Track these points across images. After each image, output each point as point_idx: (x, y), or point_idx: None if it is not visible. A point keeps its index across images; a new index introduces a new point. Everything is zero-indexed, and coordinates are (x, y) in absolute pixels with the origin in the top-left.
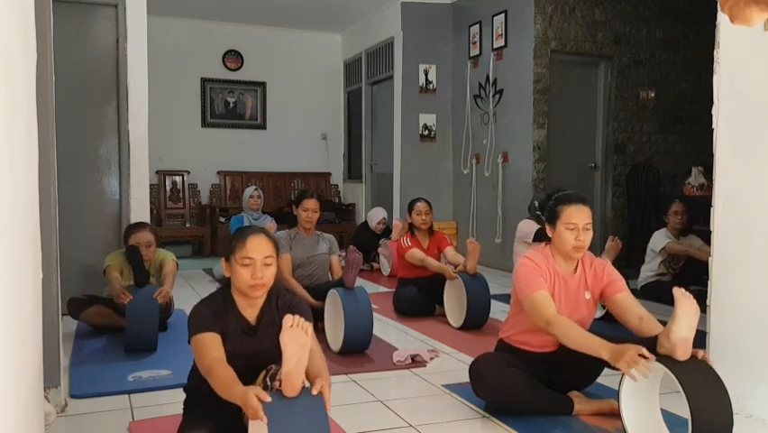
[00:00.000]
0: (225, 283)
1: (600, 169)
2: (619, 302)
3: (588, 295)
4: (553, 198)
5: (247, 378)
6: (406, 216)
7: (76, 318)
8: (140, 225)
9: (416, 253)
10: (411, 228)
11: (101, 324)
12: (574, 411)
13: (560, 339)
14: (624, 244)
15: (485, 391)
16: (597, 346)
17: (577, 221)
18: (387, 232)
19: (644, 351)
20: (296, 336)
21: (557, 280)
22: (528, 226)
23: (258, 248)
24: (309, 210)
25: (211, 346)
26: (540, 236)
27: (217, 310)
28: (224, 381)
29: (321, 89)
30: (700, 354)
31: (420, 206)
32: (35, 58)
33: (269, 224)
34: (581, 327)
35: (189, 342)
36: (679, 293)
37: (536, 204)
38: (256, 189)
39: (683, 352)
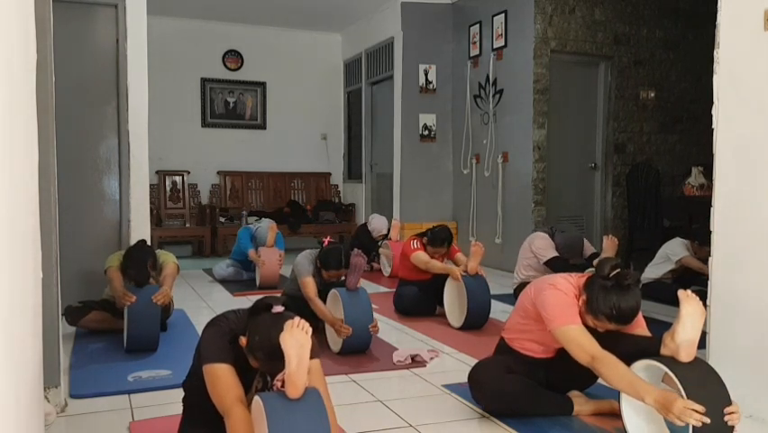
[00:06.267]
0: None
1: (600, 169)
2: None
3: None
4: (612, 301)
5: None
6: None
7: (74, 326)
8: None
9: (420, 256)
10: (426, 237)
11: (99, 329)
12: (574, 412)
13: (603, 376)
14: (624, 243)
15: (485, 399)
16: (641, 391)
17: (605, 329)
18: (386, 234)
19: (695, 405)
20: (296, 337)
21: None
22: (545, 249)
23: None
24: (332, 276)
25: (230, 384)
26: (553, 265)
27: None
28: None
29: (321, 89)
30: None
31: (440, 250)
32: (35, 58)
33: (270, 225)
34: (627, 367)
35: (197, 358)
36: (683, 294)
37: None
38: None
39: (687, 353)
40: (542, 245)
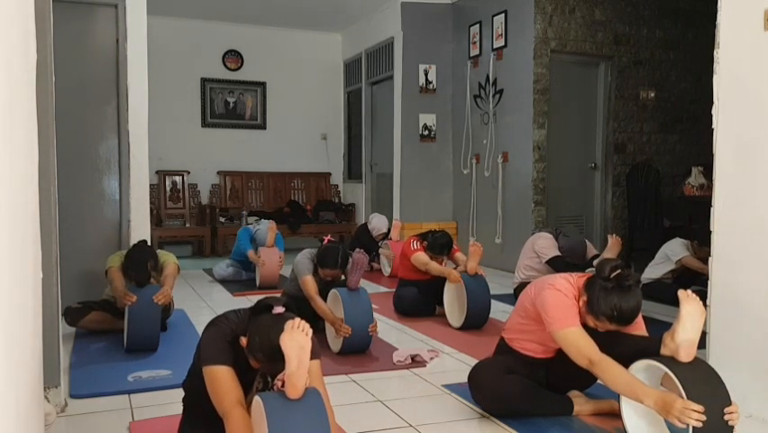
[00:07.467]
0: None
1: (600, 169)
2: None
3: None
4: (613, 302)
5: None
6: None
7: (74, 326)
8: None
9: (420, 258)
10: (427, 242)
11: (99, 329)
12: (574, 412)
13: (601, 379)
14: (624, 243)
15: (485, 400)
16: (640, 394)
17: (605, 330)
18: (386, 233)
19: (694, 405)
20: (295, 338)
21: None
22: (548, 249)
23: None
24: (328, 275)
25: (229, 386)
26: (554, 264)
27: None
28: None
29: (321, 89)
30: None
31: (439, 258)
32: (35, 58)
33: (269, 225)
34: (626, 370)
35: (197, 358)
36: (683, 294)
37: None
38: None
39: (687, 354)
40: (545, 244)
